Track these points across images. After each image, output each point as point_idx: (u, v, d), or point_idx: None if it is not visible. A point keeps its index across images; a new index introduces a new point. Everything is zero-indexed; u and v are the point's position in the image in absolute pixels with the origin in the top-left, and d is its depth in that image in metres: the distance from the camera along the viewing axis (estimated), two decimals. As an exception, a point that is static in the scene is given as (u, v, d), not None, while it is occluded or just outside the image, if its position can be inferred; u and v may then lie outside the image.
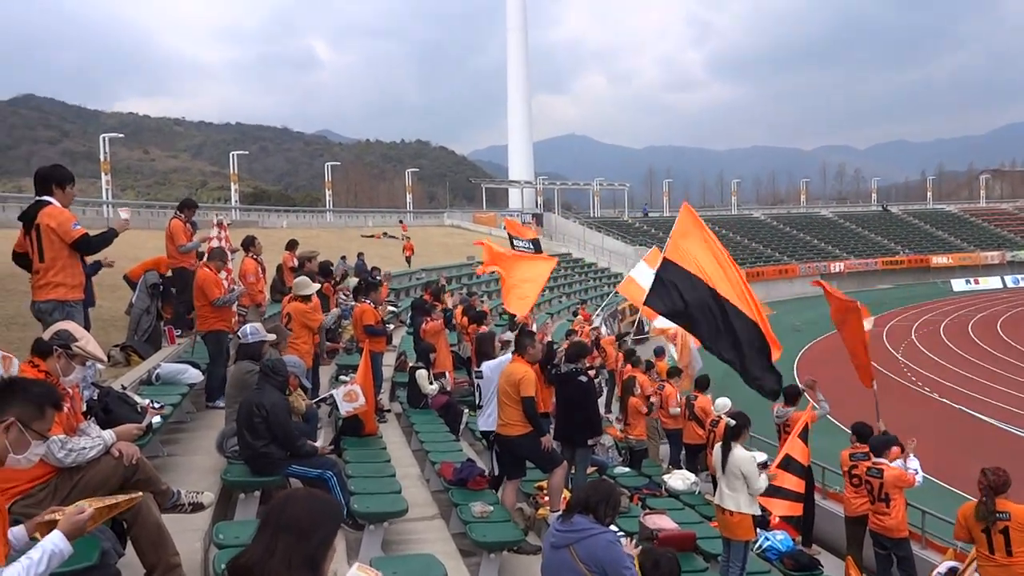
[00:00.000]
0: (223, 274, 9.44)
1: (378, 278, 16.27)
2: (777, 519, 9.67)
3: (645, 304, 9.13)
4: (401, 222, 50.10)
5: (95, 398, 5.41)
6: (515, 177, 79.70)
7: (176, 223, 10.48)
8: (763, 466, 8.31)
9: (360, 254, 24.64)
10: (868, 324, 10.64)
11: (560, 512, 5.50)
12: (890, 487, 8.59)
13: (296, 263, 13.31)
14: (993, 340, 36.16)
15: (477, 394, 8.98)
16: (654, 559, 5.01)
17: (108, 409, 5.32)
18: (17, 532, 3.15)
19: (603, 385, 16.60)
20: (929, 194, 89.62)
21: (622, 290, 18.27)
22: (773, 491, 8.71)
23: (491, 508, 6.67)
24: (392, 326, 16.43)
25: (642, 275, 15.89)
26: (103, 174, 42.69)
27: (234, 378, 7.40)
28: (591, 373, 9.19)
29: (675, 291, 8.13)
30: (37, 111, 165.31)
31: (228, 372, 8.53)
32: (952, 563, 8.04)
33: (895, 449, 8.84)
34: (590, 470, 9.21)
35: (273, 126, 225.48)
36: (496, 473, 7.97)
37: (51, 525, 3.06)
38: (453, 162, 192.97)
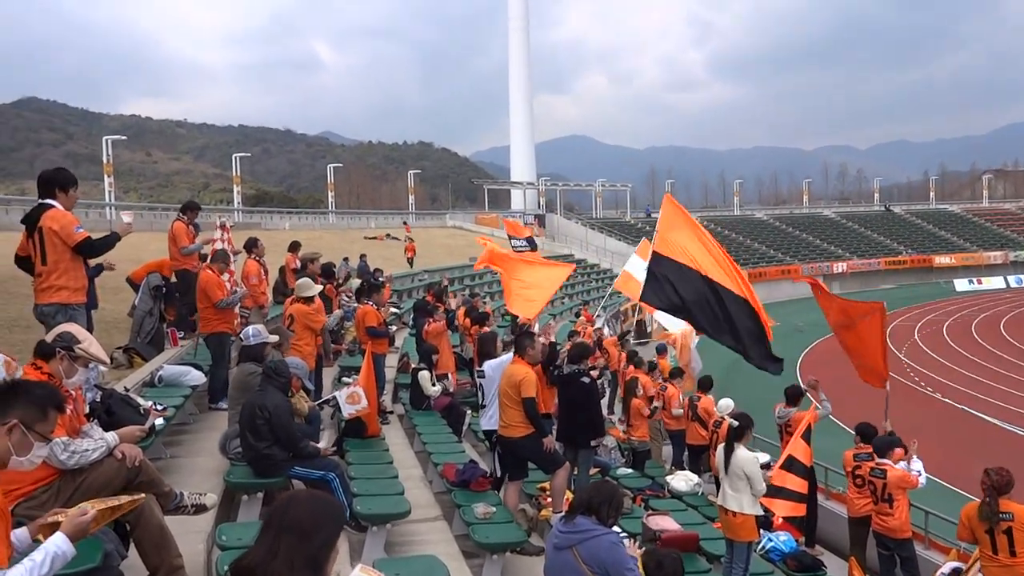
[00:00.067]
0: (226, 276, 9.45)
1: (380, 280, 16.28)
2: (780, 520, 9.67)
3: (641, 300, 9.16)
4: (405, 224, 50.15)
5: (98, 400, 5.41)
6: (517, 178, 79.76)
7: (179, 225, 10.50)
8: (765, 467, 8.32)
9: (363, 256, 24.64)
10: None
11: (563, 513, 5.50)
12: (893, 488, 8.58)
13: (299, 265, 13.32)
14: (996, 340, 36.11)
15: (480, 394, 8.98)
16: (658, 559, 5.01)
17: (111, 411, 5.33)
18: (20, 534, 3.16)
19: (606, 386, 16.60)
20: (932, 194, 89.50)
21: (619, 286, 18.26)
22: (776, 492, 8.71)
23: (494, 509, 6.67)
24: (395, 327, 16.44)
25: (635, 268, 15.87)
26: (106, 176, 42.79)
27: (237, 380, 7.40)
28: (594, 374, 9.19)
29: (668, 285, 8.16)
30: (40, 113, 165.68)
31: (230, 374, 8.54)
32: (955, 564, 8.04)
33: (898, 451, 8.83)
34: (593, 471, 9.21)
35: (275, 128, 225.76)
36: (498, 474, 7.97)
37: (54, 527, 3.06)
38: (455, 163, 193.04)
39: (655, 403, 13.19)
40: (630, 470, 11.62)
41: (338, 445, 7.98)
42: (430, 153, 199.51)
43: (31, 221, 6.00)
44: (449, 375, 11.65)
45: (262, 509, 5.95)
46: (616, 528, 5.03)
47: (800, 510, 9.29)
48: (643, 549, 5.33)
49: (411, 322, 16.24)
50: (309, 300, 9.47)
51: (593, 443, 8.83)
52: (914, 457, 8.77)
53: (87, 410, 4.96)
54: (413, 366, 11.25)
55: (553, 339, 10.83)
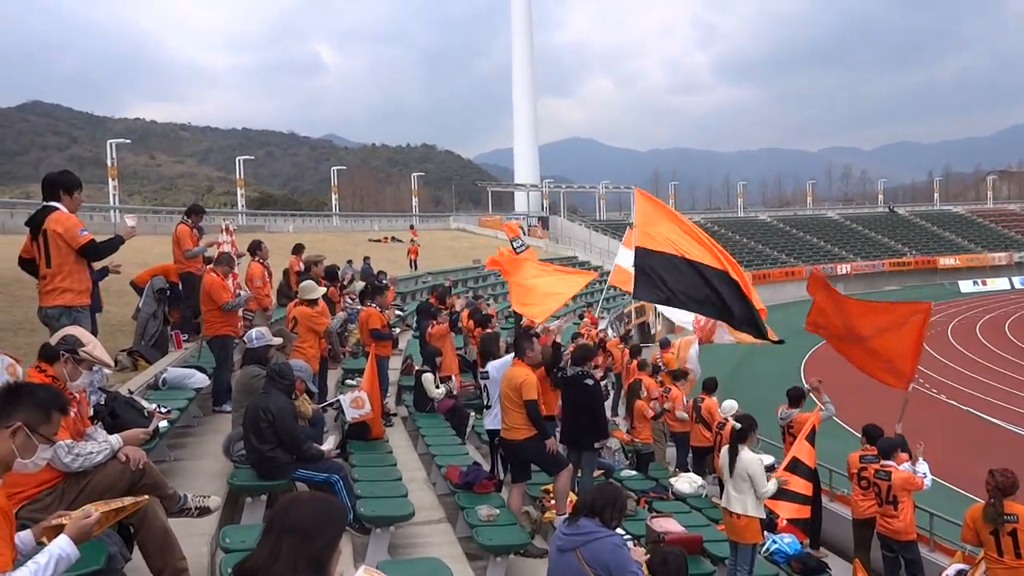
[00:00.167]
0: (229, 279, 9.46)
1: (384, 282, 16.29)
2: (784, 522, 9.63)
3: (635, 297, 9.21)
4: (412, 227, 50.27)
5: (102, 403, 5.42)
6: (521, 180, 79.76)
7: (183, 228, 10.52)
8: (769, 469, 8.30)
9: (366, 258, 24.64)
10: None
11: (566, 515, 5.49)
12: (898, 490, 8.56)
13: (302, 267, 13.34)
14: (1001, 341, 36.06)
15: (485, 395, 8.97)
16: (662, 556, 5.01)
17: (115, 414, 5.34)
18: (24, 537, 3.16)
19: (609, 388, 16.58)
20: (936, 195, 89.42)
21: (613, 281, 18.23)
22: (780, 494, 8.68)
23: (497, 511, 6.66)
24: (398, 330, 16.45)
25: (624, 259, 15.80)
26: (110, 180, 42.92)
27: (240, 383, 7.41)
28: (597, 376, 9.18)
29: (657, 278, 8.19)
30: (45, 117, 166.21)
31: (234, 377, 8.55)
32: (961, 566, 8.01)
33: (902, 455, 8.81)
34: (596, 473, 9.19)
35: (279, 131, 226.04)
36: (500, 476, 7.96)
37: (58, 529, 3.06)
38: (459, 166, 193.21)
39: (664, 405, 13.16)
40: (634, 472, 11.60)
41: (342, 447, 7.98)
42: (434, 155, 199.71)
43: (35, 223, 6.01)
44: (453, 377, 11.65)
45: (266, 511, 5.96)
46: (620, 530, 5.02)
47: (804, 512, 9.26)
48: (648, 555, 5.32)
49: (415, 324, 16.24)
50: (313, 303, 9.47)
51: (597, 445, 8.80)
52: (920, 459, 8.75)
53: (91, 413, 4.97)
54: (417, 368, 11.26)
55: (558, 340, 10.81)
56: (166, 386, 7.88)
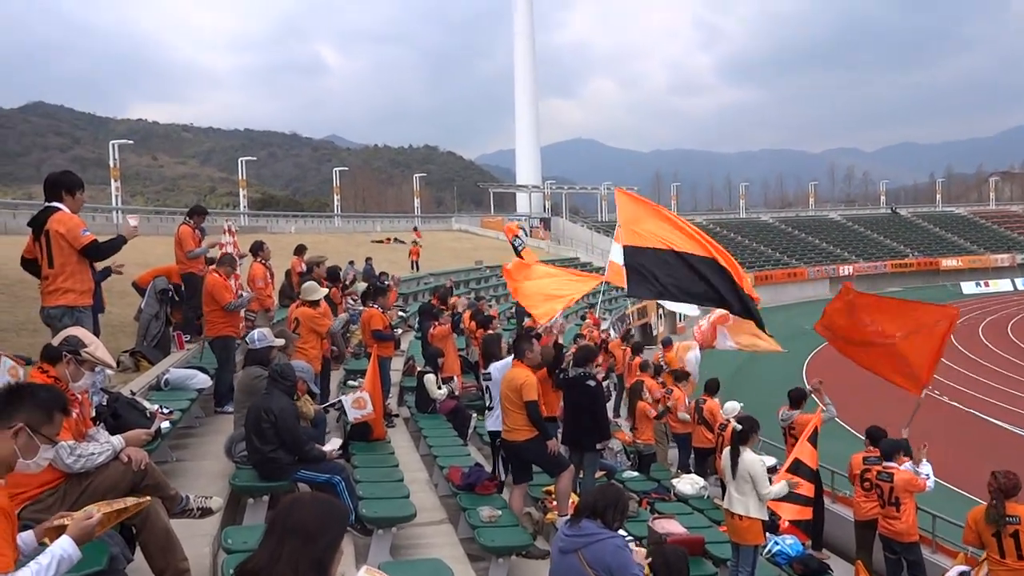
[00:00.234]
0: (231, 280, 9.47)
1: (386, 283, 16.29)
2: (786, 523, 9.62)
3: (629, 294, 9.29)
4: (415, 228, 50.33)
5: (104, 404, 5.43)
6: (523, 181, 79.76)
7: (185, 229, 10.53)
8: (771, 470, 8.29)
9: (368, 259, 24.66)
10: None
11: (568, 517, 5.49)
12: (900, 491, 8.55)
13: (304, 268, 13.35)
14: (1003, 343, 36.02)
15: (487, 396, 8.98)
16: (663, 556, 5.01)
17: (117, 415, 5.34)
18: (26, 537, 3.16)
19: (611, 389, 16.58)
20: (938, 196, 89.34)
21: (609, 278, 18.22)
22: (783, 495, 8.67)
23: (499, 512, 6.66)
24: (400, 330, 16.45)
25: (618, 255, 15.79)
26: (112, 180, 42.95)
27: (242, 383, 7.41)
28: (599, 377, 9.17)
29: (648, 273, 8.22)
30: (47, 118, 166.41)
31: (236, 378, 8.55)
32: (963, 567, 7.99)
33: (903, 457, 8.81)
34: (598, 474, 9.19)
35: (281, 132, 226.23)
36: (501, 477, 7.96)
37: (60, 530, 3.07)
38: (461, 167, 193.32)
39: (666, 403, 13.14)
40: (636, 473, 11.59)
41: (343, 448, 7.98)
42: (436, 156, 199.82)
43: (38, 224, 6.02)
44: (455, 378, 11.65)
45: (268, 512, 5.96)
46: (621, 532, 5.02)
47: (806, 514, 9.25)
48: (649, 556, 5.32)
49: (416, 325, 16.25)
50: (315, 304, 9.48)
51: (599, 446, 8.81)
52: (924, 460, 8.74)
53: (93, 413, 4.98)
54: (419, 369, 11.26)
55: (561, 341, 10.82)
56: (168, 387, 7.88)
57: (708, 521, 9.45)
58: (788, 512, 9.04)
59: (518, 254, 16.70)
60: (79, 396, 4.48)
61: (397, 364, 12.84)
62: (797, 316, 49.28)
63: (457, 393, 11.21)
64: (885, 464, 8.82)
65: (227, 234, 11.54)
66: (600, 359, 13.63)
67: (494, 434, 8.53)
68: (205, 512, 4.60)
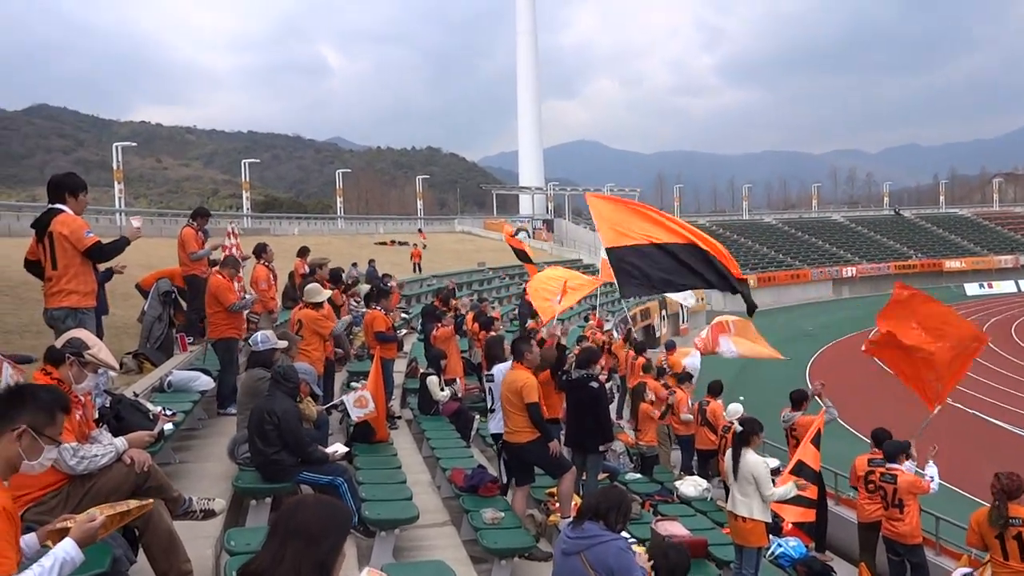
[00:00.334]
0: (235, 282, 9.48)
1: (389, 285, 16.30)
2: (790, 525, 9.62)
3: (622, 295, 9.30)
4: (420, 231, 50.39)
5: (107, 405, 5.43)
6: (525, 183, 79.76)
7: (188, 231, 10.54)
8: (774, 472, 8.28)
9: (371, 261, 24.68)
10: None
11: (571, 519, 5.49)
12: (904, 493, 8.53)
13: (307, 270, 13.35)
14: (1007, 344, 35.94)
15: (489, 398, 8.98)
16: (663, 551, 5.01)
17: (120, 416, 5.35)
18: (29, 539, 3.16)
19: (614, 391, 16.57)
20: (942, 198, 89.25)
21: (606, 277, 18.23)
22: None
23: (502, 515, 6.66)
24: (404, 331, 16.46)
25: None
26: (116, 183, 43.02)
27: (245, 385, 7.42)
28: (602, 379, 9.17)
29: (635, 269, 8.22)
30: (51, 120, 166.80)
31: (239, 379, 8.56)
32: (966, 569, 7.98)
33: (902, 458, 8.80)
34: (601, 476, 9.19)
35: (284, 134, 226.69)
36: (504, 481, 7.95)
37: (63, 533, 3.07)
38: (464, 168, 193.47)
39: (667, 401, 13.12)
40: (639, 475, 11.58)
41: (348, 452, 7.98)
42: (438, 158, 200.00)
43: (41, 226, 6.03)
44: (457, 380, 11.65)
45: (270, 514, 5.96)
46: (624, 534, 5.01)
47: (810, 515, 9.23)
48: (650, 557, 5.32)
49: (419, 327, 16.25)
50: (318, 306, 9.48)
51: (602, 448, 8.80)
52: (930, 463, 8.73)
53: (96, 415, 4.98)
54: (421, 371, 11.26)
55: (564, 343, 10.82)
56: (171, 388, 7.88)
57: (711, 523, 9.45)
58: (791, 514, 9.02)
59: (528, 261, 16.76)
60: (82, 398, 4.48)
61: (400, 366, 12.85)
62: (800, 318, 49.36)
63: (460, 395, 11.21)
64: (889, 466, 8.81)
65: (230, 236, 11.55)
66: (603, 361, 13.64)
67: (497, 437, 8.53)
68: (208, 514, 4.60)
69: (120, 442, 4.23)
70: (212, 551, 4.98)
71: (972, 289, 61.66)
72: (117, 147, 44.63)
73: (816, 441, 9.25)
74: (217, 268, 9.52)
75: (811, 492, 9.02)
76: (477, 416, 10.76)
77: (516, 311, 22.34)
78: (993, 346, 35.38)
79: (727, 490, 8.33)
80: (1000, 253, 69.09)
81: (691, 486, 11.12)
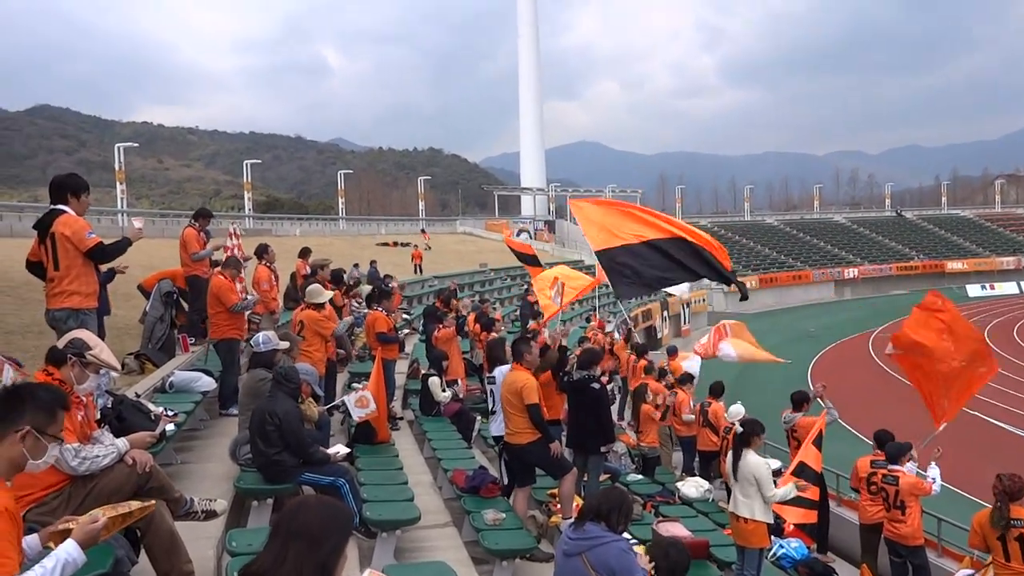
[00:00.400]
0: (236, 284, 9.49)
1: (391, 286, 16.30)
2: (791, 527, 9.61)
3: (618, 297, 9.30)
4: (424, 231, 50.42)
5: (109, 406, 5.44)
6: (527, 184, 79.78)
7: (190, 231, 10.55)
8: (776, 473, 8.28)
9: (373, 262, 24.70)
10: (888, 348, 10.25)
11: (572, 520, 5.48)
12: (906, 495, 8.53)
13: (309, 271, 13.36)
14: (1009, 346, 35.89)
15: (490, 400, 8.98)
16: (664, 550, 5.02)
17: (122, 417, 5.35)
18: (31, 541, 3.17)
19: (616, 392, 16.57)
20: (944, 199, 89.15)
21: (601, 277, 18.24)
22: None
23: (503, 516, 6.65)
24: (407, 330, 16.47)
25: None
26: (118, 183, 43.07)
27: (247, 386, 7.43)
28: (604, 380, 9.17)
29: (627, 268, 8.23)
30: (53, 121, 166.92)
31: (241, 380, 8.56)
32: (969, 571, 7.97)
33: (903, 458, 8.80)
34: (603, 477, 9.18)
35: (286, 135, 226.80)
36: (506, 482, 7.95)
37: (65, 534, 3.07)
38: (465, 169, 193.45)
39: (667, 402, 13.11)
40: (640, 476, 11.58)
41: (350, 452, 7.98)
42: (440, 159, 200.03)
43: (43, 226, 6.03)
44: (459, 381, 11.65)
45: (272, 515, 5.96)
46: (626, 535, 5.01)
47: (812, 517, 9.22)
48: (649, 542, 5.33)
49: (421, 328, 16.25)
50: (320, 306, 9.49)
51: (603, 449, 8.80)
52: (932, 464, 8.72)
53: (98, 416, 4.98)
54: (423, 372, 11.25)
55: (564, 344, 10.82)
56: (173, 389, 7.89)
57: (712, 524, 9.44)
58: (793, 515, 9.02)
59: (533, 263, 16.74)
60: (84, 399, 4.48)
61: (402, 367, 12.85)
62: (802, 319, 49.33)
63: (461, 396, 11.21)
64: (891, 468, 8.80)
65: (231, 237, 11.55)
66: (607, 362, 13.63)
67: (498, 438, 8.54)
68: (209, 515, 4.60)
69: (122, 443, 4.23)
70: (214, 552, 4.98)
71: (974, 290, 61.58)
72: (119, 148, 44.67)
73: (818, 442, 9.25)
74: (219, 269, 9.53)
75: (813, 493, 9.01)
76: (479, 417, 10.77)
77: (518, 312, 22.34)
78: (995, 347, 35.35)
79: (729, 491, 8.32)
80: (1002, 254, 69.02)
81: (692, 487, 11.12)
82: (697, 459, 12.93)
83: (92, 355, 4.44)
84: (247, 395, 7.25)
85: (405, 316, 18.44)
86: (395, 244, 45.01)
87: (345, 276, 14.74)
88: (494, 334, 12.87)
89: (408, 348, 15.40)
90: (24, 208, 35.17)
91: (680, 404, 13.14)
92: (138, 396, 6.51)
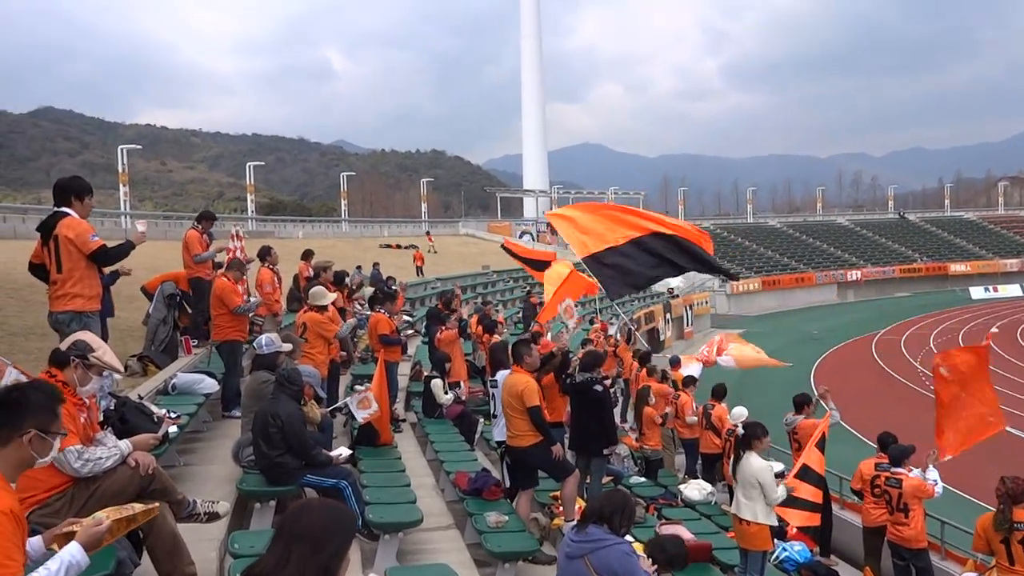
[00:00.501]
0: (239, 286, 9.50)
1: (394, 288, 16.30)
2: (794, 529, 9.60)
3: (611, 298, 9.30)
4: (428, 234, 50.50)
5: (112, 408, 5.44)
6: (530, 186, 79.84)
7: (192, 233, 10.57)
8: (779, 476, 8.27)
9: (375, 264, 24.73)
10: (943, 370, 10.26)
11: (575, 522, 5.48)
12: (909, 497, 8.52)
13: (311, 273, 13.37)
14: (1012, 348, 35.84)
15: (492, 403, 8.98)
16: (660, 545, 5.01)
17: (125, 419, 5.35)
18: (35, 542, 3.17)
19: (619, 395, 16.56)
20: (947, 201, 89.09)
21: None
22: (790, 501, 8.64)
23: (506, 518, 6.65)
24: (411, 331, 16.46)
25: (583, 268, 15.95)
26: (121, 185, 43.15)
27: (249, 388, 7.43)
28: (607, 383, 9.17)
29: (615, 270, 8.25)
30: (56, 123, 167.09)
31: (243, 382, 8.57)
32: (972, 574, 7.97)
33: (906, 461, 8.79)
34: (606, 480, 9.18)
35: (289, 137, 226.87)
36: (507, 485, 7.95)
37: (69, 537, 3.07)
38: (468, 171, 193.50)
39: (666, 409, 13.12)
40: (643, 479, 11.57)
41: (352, 457, 7.98)
42: (443, 161, 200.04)
43: (46, 229, 6.04)
44: (461, 383, 11.64)
45: (274, 517, 5.97)
46: (628, 537, 5.01)
47: (815, 520, 9.23)
48: (648, 540, 5.33)
49: (424, 330, 16.25)
50: (322, 309, 9.50)
51: (606, 451, 8.80)
52: (930, 467, 8.71)
53: (101, 418, 4.98)
54: (426, 374, 11.25)
55: (567, 346, 10.82)
56: (176, 391, 7.90)
57: (715, 527, 9.43)
58: (796, 518, 9.03)
59: (538, 267, 16.75)
60: (87, 400, 4.49)
61: (404, 369, 12.85)
62: (804, 320, 49.28)
63: (464, 398, 11.21)
64: (894, 470, 8.79)
65: (234, 239, 11.56)
66: (612, 365, 13.64)
67: (502, 443, 8.54)
68: (212, 516, 4.61)
69: (124, 445, 4.24)
70: (216, 554, 4.98)
71: (977, 293, 61.50)
72: (122, 150, 44.74)
73: (821, 445, 9.25)
74: (222, 271, 9.55)
75: (815, 496, 9.01)
76: (481, 419, 10.77)
77: (520, 314, 22.35)
78: (999, 350, 35.29)
79: (731, 494, 8.31)
80: (1006, 257, 68.94)
81: (695, 490, 11.11)
82: (700, 462, 12.92)
83: (95, 357, 4.45)
84: (250, 397, 7.25)
85: (407, 318, 18.44)
86: (398, 246, 45.03)
87: (347, 279, 14.76)
88: (497, 336, 12.87)
89: (411, 350, 15.40)
90: (28, 210, 35.20)
91: (683, 407, 13.13)
92: (141, 398, 6.52)
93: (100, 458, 4.03)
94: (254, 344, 7.86)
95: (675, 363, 16.74)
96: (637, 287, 8.88)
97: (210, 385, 8.23)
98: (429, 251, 42.05)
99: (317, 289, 9.85)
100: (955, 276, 66.07)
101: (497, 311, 20.01)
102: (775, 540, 8.48)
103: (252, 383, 7.37)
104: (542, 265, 16.94)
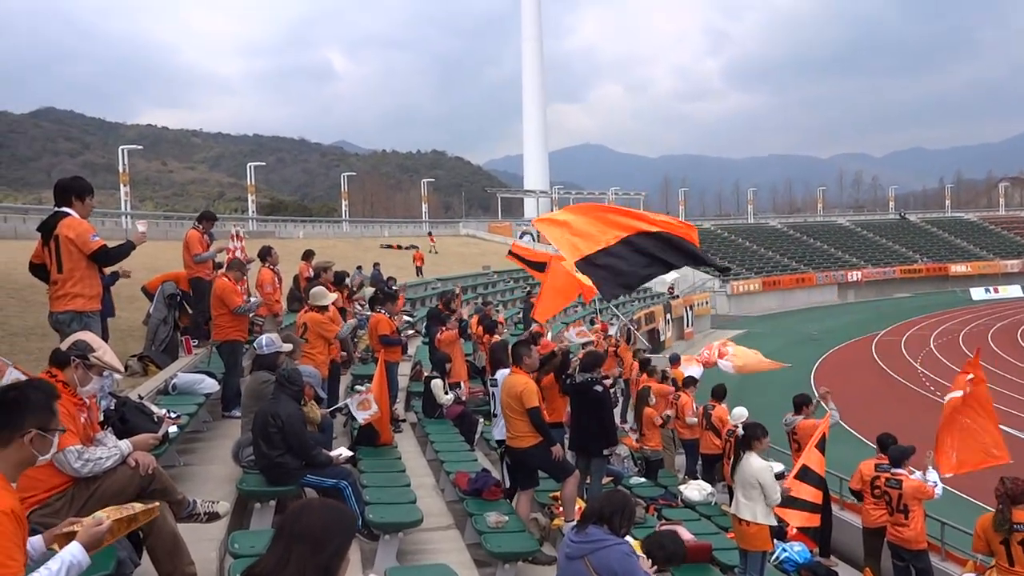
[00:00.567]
0: (240, 287, 9.51)
1: (394, 288, 16.31)
2: (794, 530, 9.60)
3: (605, 299, 9.29)
4: (430, 234, 50.55)
5: (112, 408, 5.44)
6: (530, 187, 79.89)
7: (193, 233, 10.58)
8: (779, 476, 8.28)
9: (376, 264, 24.73)
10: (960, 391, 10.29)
11: (575, 522, 5.48)
12: (909, 498, 8.52)
13: (312, 273, 13.37)
14: (1013, 349, 35.85)
15: (492, 403, 8.98)
16: (658, 541, 5.02)
17: (125, 419, 5.36)
18: (35, 542, 3.17)
19: (619, 395, 16.56)
20: (947, 202, 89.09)
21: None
22: (790, 502, 8.64)
23: (506, 518, 6.65)
24: (412, 331, 16.46)
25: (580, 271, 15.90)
26: (122, 186, 43.15)
27: (250, 388, 7.43)
28: (607, 383, 9.17)
29: (607, 271, 8.26)
30: (57, 123, 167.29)
31: (243, 382, 8.57)
32: (972, 575, 7.97)
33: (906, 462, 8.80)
34: (605, 480, 9.18)
35: (290, 137, 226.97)
36: (507, 485, 7.95)
37: (70, 536, 3.08)
38: (469, 172, 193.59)
39: (667, 412, 13.12)
40: (643, 479, 11.57)
41: (352, 455, 7.98)
42: (444, 162, 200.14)
43: (47, 229, 6.04)
44: (462, 383, 11.64)
45: (274, 517, 5.97)
46: (628, 538, 5.01)
47: (814, 520, 9.23)
48: (645, 538, 5.34)
49: (424, 330, 16.26)
50: (323, 309, 9.50)
51: (606, 452, 8.80)
52: (929, 468, 8.71)
53: (101, 418, 4.99)
54: (426, 374, 11.26)
55: (567, 346, 10.83)
56: (176, 391, 7.91)
57: (715, 527, 9.43)
58: (796, 519, 9.02)
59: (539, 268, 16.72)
60: (87, 400, 4.49)
61: (404, 369, 12.86)
62: (804, 321, 49.28)
63: (464, 398, 11.21)
64: (894, 471, 8.79)
65: (235, 239, 11.56)
66: (612, 366, 13.64)
67: (502, 443, 8.54)
68: (212, 516, 4.61)
69: (125, 445, 4.24)
70: (216, 554, 4.99)
71: (978, 293, 61.48)
72: (123, 150, 44.77)
73: (821, 446, 9.25)
74: (223, 271, 9.56)
75: (815, 496, 9.01)
76: (481, 419, 10.77)
77: (520, 314, 22.34)
78: (999, 351, 35.31)
79: (731, 494, 8.31)
80: (1006, 257, 68.94)
81: (695, 490, 11.12)
82: (700, 462, 12.92)
83: (95, 357, 4.45)
84: (250, 397, 7.26)
85: (407, 319, 18.44)
86: (398, 247, 45.05)
87: (348, 279, 14.76)
88: (497, 336, 12.87)
89: (411, 350, 15.40)
90: (28, 210, 35.22)
91: (683, 407, 13.14)
92: (141, 398, 6.53)
93: (100, 458, 4.04)
94: (254, 344, 7.86)
95: (675, 361, 16.75)
96: (630, 287, 8.86)
97: (210, 385, 8.23)
98: (431, 251, 42.05)
99: (318, 289, 9.86)
100: (956, 277, 66.07)
101: (497, 311, 20.01)
102: (775, 540, 8.48)
103: (252, 383, 7.37)
104: (544, 267, 16.95)
